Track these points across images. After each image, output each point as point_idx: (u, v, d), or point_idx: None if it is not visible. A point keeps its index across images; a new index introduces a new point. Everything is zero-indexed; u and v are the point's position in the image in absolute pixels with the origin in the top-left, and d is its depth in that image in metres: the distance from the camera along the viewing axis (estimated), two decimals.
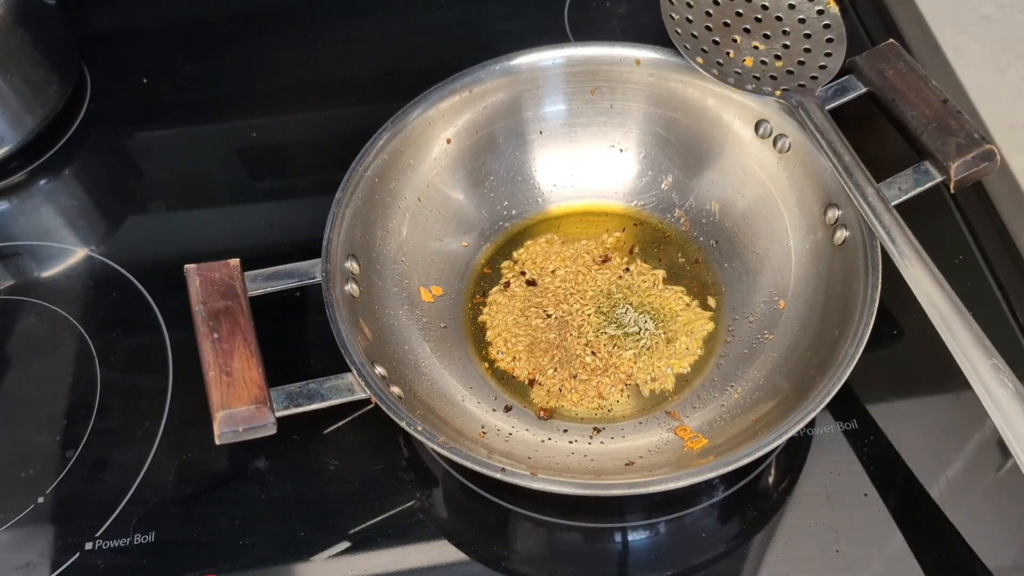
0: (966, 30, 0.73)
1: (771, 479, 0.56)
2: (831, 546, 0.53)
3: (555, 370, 0.60)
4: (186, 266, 0.57)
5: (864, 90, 0.64)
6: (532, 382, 0.60)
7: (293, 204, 0.71)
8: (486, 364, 0.61)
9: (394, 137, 0.63)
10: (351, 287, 0.58)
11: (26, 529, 0.56)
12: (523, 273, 0.64)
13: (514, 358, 0.61)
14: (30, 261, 0.68)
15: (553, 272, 0.64)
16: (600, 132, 0.68)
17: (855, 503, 0.55)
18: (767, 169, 0.64)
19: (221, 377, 0.52)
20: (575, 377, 0.60)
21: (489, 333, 0.62)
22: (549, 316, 0.62)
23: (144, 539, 0.55)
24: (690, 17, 0.66)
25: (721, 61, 0.64)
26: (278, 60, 0.79)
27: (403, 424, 0.51)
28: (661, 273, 0.64)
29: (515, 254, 0.65)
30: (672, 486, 0.50)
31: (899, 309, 0.60)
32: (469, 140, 0.66)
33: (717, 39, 0.65)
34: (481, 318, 0.63)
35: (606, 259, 0.65)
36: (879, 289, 0.54)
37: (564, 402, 0.59)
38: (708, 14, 0.66)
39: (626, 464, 0.55)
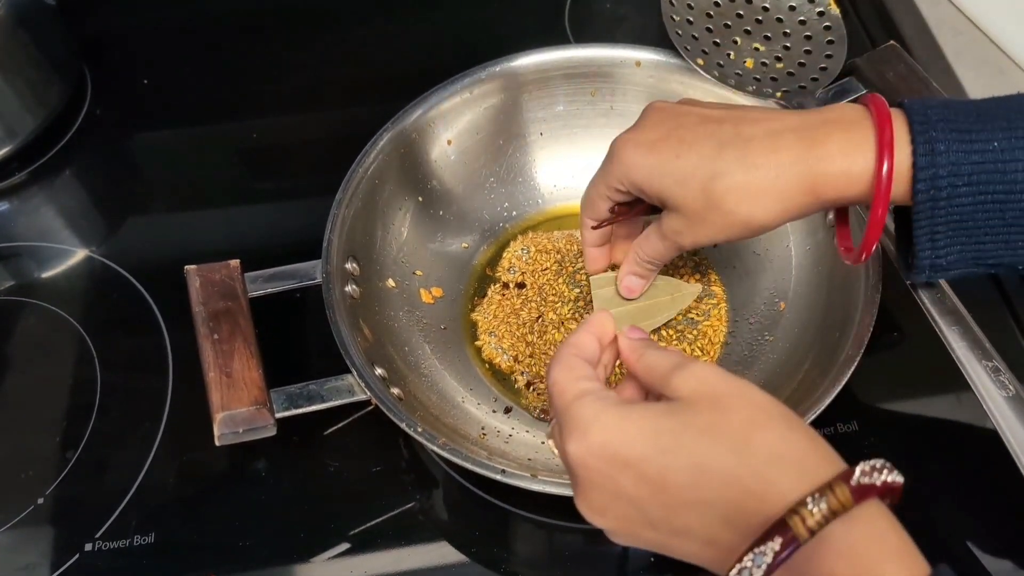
0: (966, 32, 0.73)
1: None
2: None
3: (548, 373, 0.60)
4: (186, 267, 0.57)
5: (864, 91, 0.64)
6: (530, 383, 0.60)
7: (293, 205, 0.71)
8: (486, 365, 0.61)
9: (394, 138, 0.63)
10: (351, 288, 0.58)
11: (26, 530, 0.56)
12: (522, 274, 0.64)
13: (514, 358, 0.61)
14: (30, 261, 0.68)
15: (543, 271, 0.63)
16: (600, 133, 0.67)
17: None
18: None
19: (221, 378, 0.52)
20: None
21: (481, 335, 0.62)
22: (539, 317, 0.62)
23: (144, 540, 0.55)
24: (691, 19, 0.66)
25: (722, 63, 0.64)
26: (278, 61, 0.79)
27: (403, 425, 0.51)
28: None
29: (505, 254, 0.65)
30: None
31: (899, 311, 0.60)
32: (469, 141, 0.66)
33: (718, 41, 0.65)
34: (474, 317, 0.63)
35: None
36: (880, 291, 0.54)
37: None
38: (709, 16, 0.66)
39: None
